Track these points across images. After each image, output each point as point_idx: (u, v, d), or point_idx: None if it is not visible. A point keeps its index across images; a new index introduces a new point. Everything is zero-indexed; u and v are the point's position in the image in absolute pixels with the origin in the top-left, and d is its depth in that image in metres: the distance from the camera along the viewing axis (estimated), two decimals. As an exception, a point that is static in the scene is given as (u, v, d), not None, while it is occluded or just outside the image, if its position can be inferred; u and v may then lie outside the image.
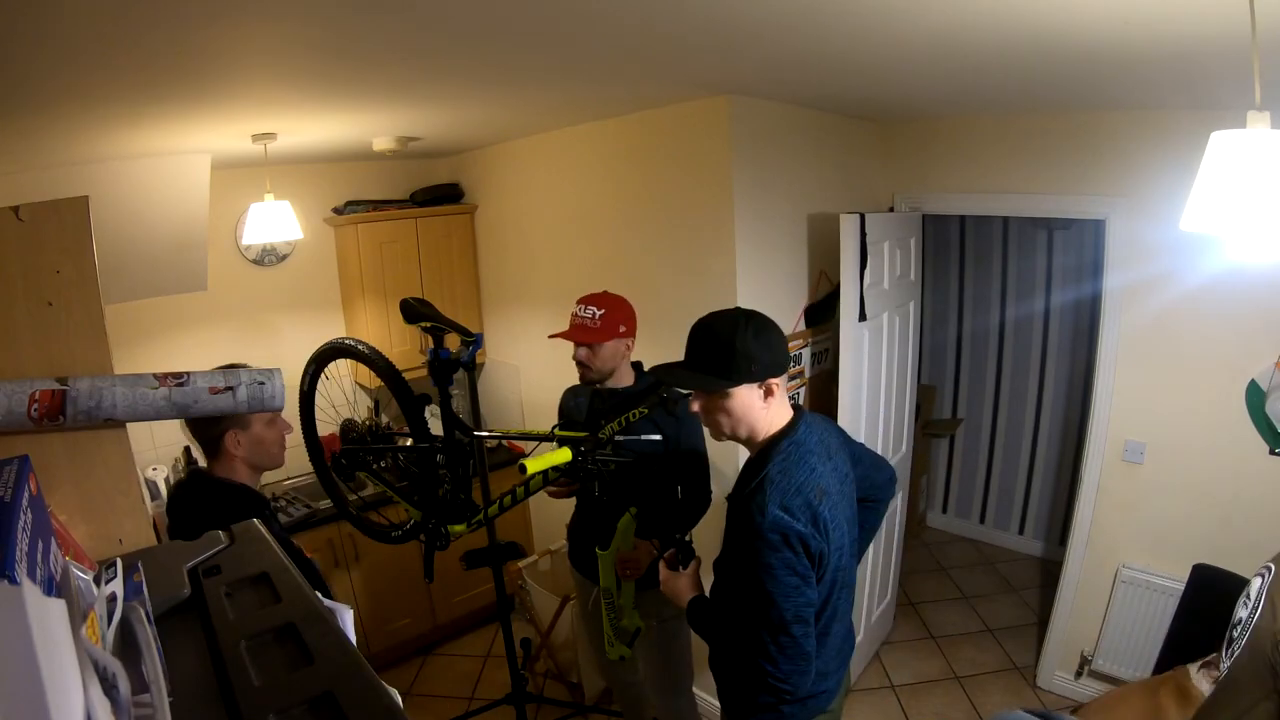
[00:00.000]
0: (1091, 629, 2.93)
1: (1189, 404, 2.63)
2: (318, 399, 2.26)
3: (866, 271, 2.78)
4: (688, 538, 1.72)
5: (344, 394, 3.01)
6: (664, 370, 1.54)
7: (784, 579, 1.35)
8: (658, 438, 2.05)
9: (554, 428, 2.17)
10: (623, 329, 2.15)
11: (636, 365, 2.27)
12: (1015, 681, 3.20)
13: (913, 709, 3.06)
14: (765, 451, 1.47)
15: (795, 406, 1.56)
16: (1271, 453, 2.48)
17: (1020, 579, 4.04)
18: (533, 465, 1.73)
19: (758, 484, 1.41)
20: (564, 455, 1.83)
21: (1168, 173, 2.45)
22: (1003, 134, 2.95)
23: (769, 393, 1.45)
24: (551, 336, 2.23)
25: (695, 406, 1.50)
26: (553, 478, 1.91)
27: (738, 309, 1.49)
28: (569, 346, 2.21)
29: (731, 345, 1.41)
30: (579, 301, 2.18)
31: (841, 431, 1.70)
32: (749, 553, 1.38)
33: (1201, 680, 1.89)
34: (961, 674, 3.27)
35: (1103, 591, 2.89)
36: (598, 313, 2.12)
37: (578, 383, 2.31)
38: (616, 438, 1.97)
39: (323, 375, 2.28)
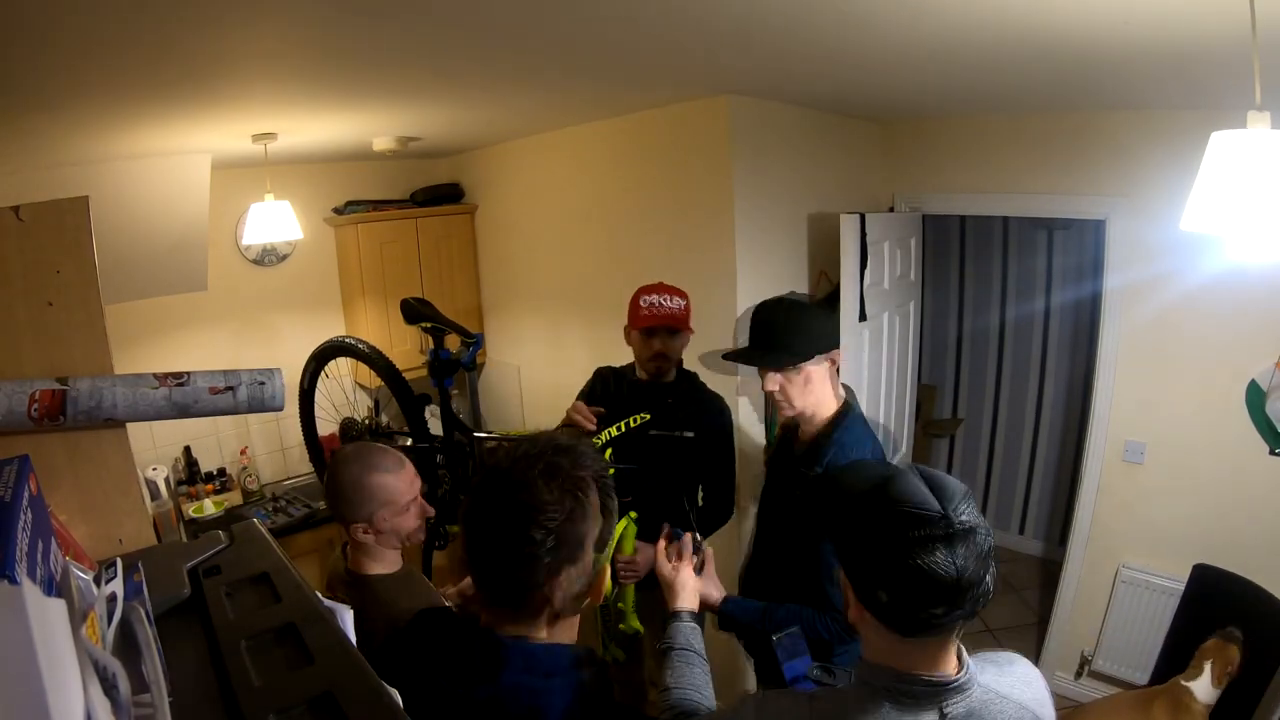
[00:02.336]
0: (1091, 629, 2.93)
1: (1189, 404, 2.63)
2: (319, 398, 2.26)
3: (866, 271, 2.78)
4: (697, 539, 1.70)
5: (344, 393, 3.02)
6: (740, 356, 1.68)
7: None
8: (691, 434, 2.04)
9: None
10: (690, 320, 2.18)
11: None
12: (1015, 681, 3.19)
13: (913, 709, 3.06)
14: (831, 423, 1.61)
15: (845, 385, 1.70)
16: (1271, 453, 2.47)
17: (1020, 579, 4.04)
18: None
19: (834, 452, 1.55)
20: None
21: (1168, 173, 2.45)
22: (1003, 134, 2.95)
23: (833, 363, 1.61)
24: (639, 326, 2.11)
25: (773, 385, 1.59)
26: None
27: (786, 297, 1.68)
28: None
29: (801, 324, 1.58)
30: (650, 292, 2.12)
31: None
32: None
33: (1203, 689, 1.88)
34: (961, 674, 3.27)
35: (1103, 591, 2.89)
36: (683, 302, 2.12)
37: (613, 366, 2.27)
38: (651, 431, 1.96)
39: (323, 373, 2.28)
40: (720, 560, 1.69)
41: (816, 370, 1.58)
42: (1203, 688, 1.95)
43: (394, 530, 1.49)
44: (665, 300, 2.10)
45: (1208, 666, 1.96)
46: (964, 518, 0.88)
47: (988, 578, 0.89)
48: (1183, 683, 1.99)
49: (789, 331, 1.58)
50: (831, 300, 2.96)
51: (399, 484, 1.48)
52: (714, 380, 2.38)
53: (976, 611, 0.90)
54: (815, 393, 1.60)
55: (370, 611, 1.35)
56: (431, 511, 1.58)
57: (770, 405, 2.82)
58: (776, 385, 1.59)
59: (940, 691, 0.91)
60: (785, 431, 1.82)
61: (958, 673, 0.93)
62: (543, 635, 0.94)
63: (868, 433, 1.62)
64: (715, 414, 2.17)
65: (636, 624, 2.07)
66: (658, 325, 2.08)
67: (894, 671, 0.93)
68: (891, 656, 0.93)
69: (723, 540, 2.31)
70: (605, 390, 2.23)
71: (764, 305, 1.68)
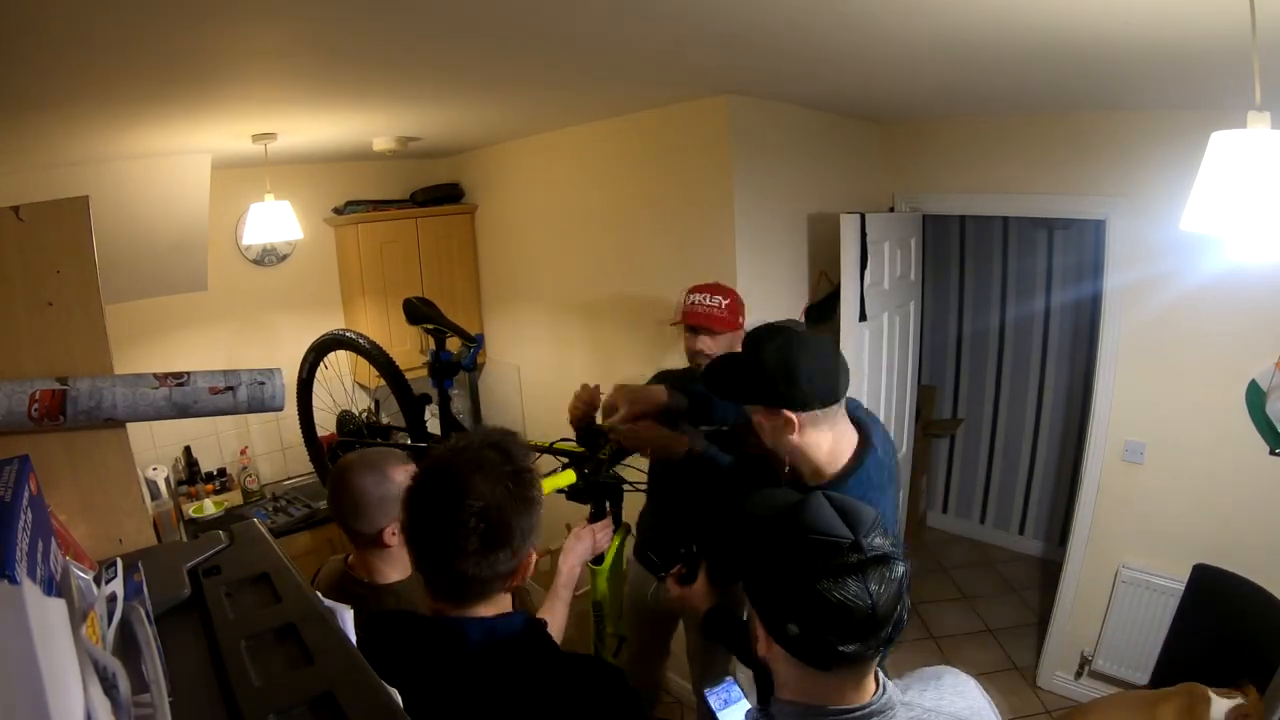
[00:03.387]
0: (1092, 629, 2.93)
1: (1189, 404, 2.63)
2: (318, 390, 2.26)
3: (866, 271, 2.78)
4: (692, 549, 1.70)
5: (343, 389, 3.02)
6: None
7: None
8: (728, 459, 2.02)
9: (554, 442, 2.14)
10: (742, 319, 2.12)
11: None
12: (1015, 681, 3.20)
13: (913, 709, 3.06)
14: (836, 481, 1.37)
15: (861, 427, 1.44)
16: (1271, 453, 2.47)
17: (1020, 579, 4.04)
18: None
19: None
20: (569, 478, 1.82)
21: (1168, 173, 2.45)
22: (1003, 134, 2.95)
23: (788, 425, 1.34)
24: (674, 324, 2.14)
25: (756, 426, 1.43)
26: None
27: (793, 334, 1.40)
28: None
29: (751, 370, 1.37)
30: (696, 290, 2.12)
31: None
32: None
33: (1219, 710, 1.80)
34: (961, 674, 3.26)
35: (1103, 591, 2.89)
36: (724, 301, 2.08)
37: (669, 369, 2.25)
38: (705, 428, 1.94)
39: (322, 365, 2.28)
40: None
41: (768, 421, 1.38)
42: (1222, 707, 1.86)
43: None
44: (706, 299, 2.10)
45: (1239, 700, 1.86)
46: (876, 543, 0.85)
47: (901, 609, 0.85)
48: (1210, 693, 1.84)
49: (742, 373, 1.40)
50: (831, 300, 2.96)
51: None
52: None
53: (893, 642, 0.87)
54: (784, 445, 1.39)
55: None
56: None
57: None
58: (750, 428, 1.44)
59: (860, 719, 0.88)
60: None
61: (873, 696, 0.89)
62: (482, 612, 1.04)
63: (874, 487, 1.37)
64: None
65: (623, 628, 2.08)
66: (693, 323, 2.09)
67: (809, 707, 0.89)
68: (807, 692, 0.90)
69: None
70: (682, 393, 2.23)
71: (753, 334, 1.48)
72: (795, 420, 1.34)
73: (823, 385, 1.35)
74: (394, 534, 1.45)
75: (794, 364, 1.32)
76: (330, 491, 1.50)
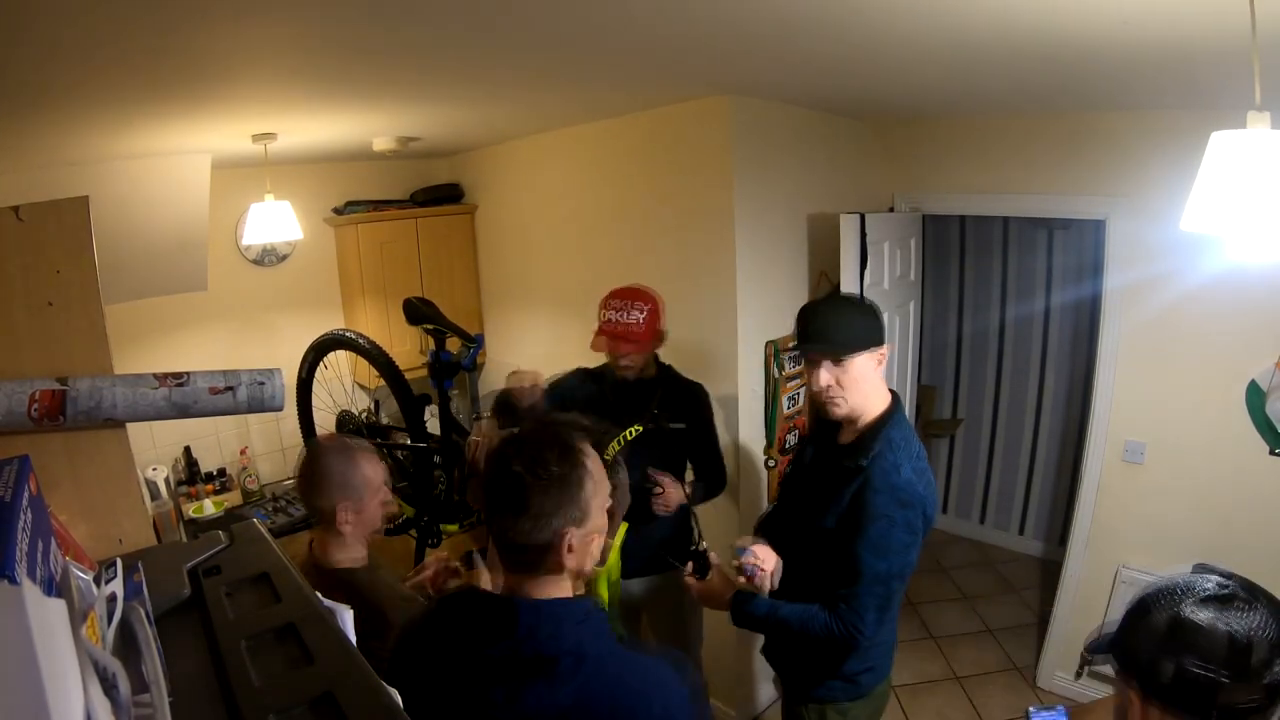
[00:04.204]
0: (1091, 629, 2.93)
1: (1189, 404, 2.63)
2: (318, 390, 2.26)
3: (866, 271, 2.78)
4: (703, 547, 1.73)
5: (343, 389, 3.02)
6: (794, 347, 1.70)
7: (903, 536, 1.47)
8: (682, 425, 2.05)
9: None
10: (661, 325, 2.12)
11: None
12: (1015, 681, 3.20)
13: (913, 709, 3.06)
14: (881, 419, 1.58)
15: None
16: (1271, 453, 2.47)
17: (1020, 579, 4.04)
18: None
19: (884, 446, 1.52)
20: None
21: (1168, 173, 2.45)
22: (1003, 134, 2.95)
23: (880, 360, 1.57)
24: (596, 349, 2.14)
25: (826, 380, 1.56)
26: None
27: (832, 293, 1.72)
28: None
29: (847, 318, 1.56)
30: (614, 297, 2.09)
31: None
32: (878, 507, 1.47)
33: None
34: (962, 674, 3.27)
35: (1103, 591, 2.89)
36: (641, 316, 2.05)
37: (589, 368, 2.27)
38: (646, 427, 1.96)
39: (322, 364, 2.28)
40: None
41: (865, 365, 1.55)
42: None
43: (372, 518, 1.56)
44: (620, 314, 2.07)
45: None
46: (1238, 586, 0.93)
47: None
48: None
49: (837, 326, 1.55)
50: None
51: (379, 473, 1.57)
52: (716, 382, 2.38)
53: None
54: (865, 389, 1.56)
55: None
56: (394, 504, 1.65)
57: (772, 406, 2.83)
58: (830, 381, 1.55)
59: None
60: (821, 423, 1.77)
61: None
62: (536, 593, 1.04)
63: (912, 432, 1.61)
64: (699, 401, 2.23)
65: (619, 627, 2.08)
66: (614, 348, 2.07)
67: None
68: None
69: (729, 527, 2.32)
70: (586, 391, 2.24)
71: (812, 302, 1.72)
72: (884, 355, 1.58)
73: (884, 326, 1.61)
74: (346, 520, 1.51)
75: (874, 307, 1.60)
76: (300, 466, 1.58)
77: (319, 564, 1.54)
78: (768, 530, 1.83)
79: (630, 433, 1.94)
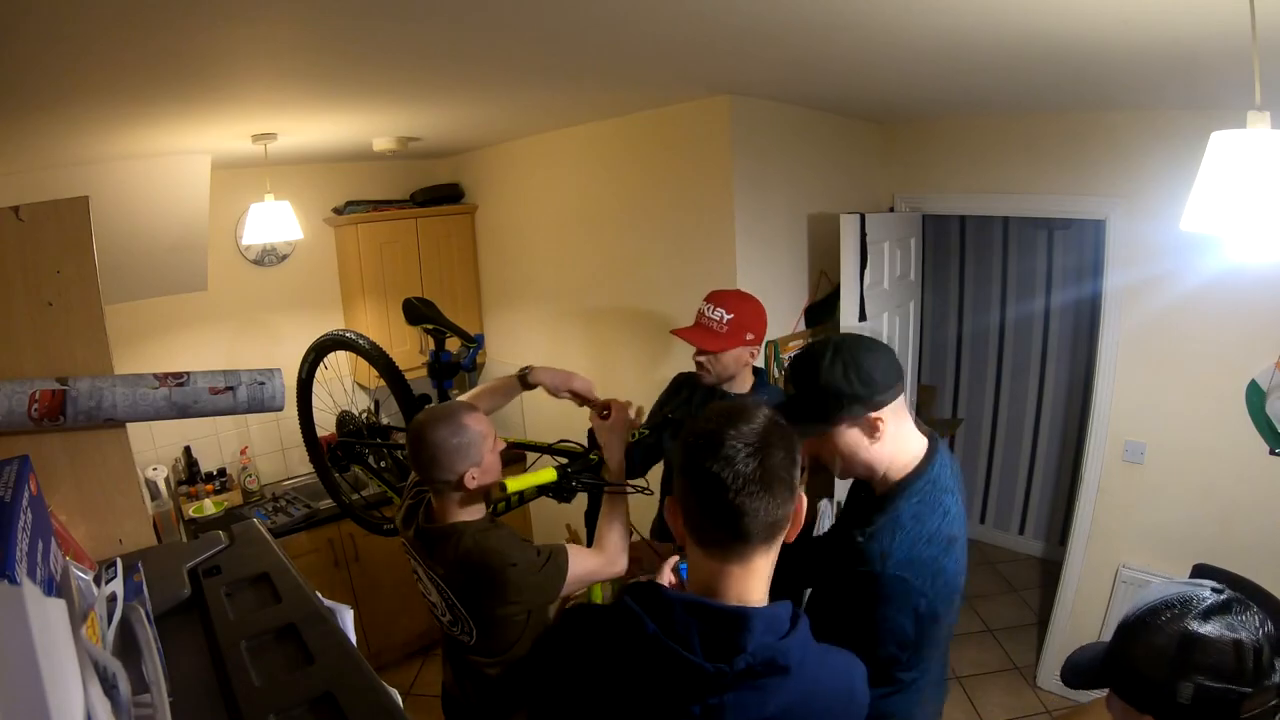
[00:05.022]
0: (1091, 629, 2.93)
1: (1189, 404, 2.63)
2: (318, 390, 2.26)
3: (866, 271, 2.78)
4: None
5: (343, 389, 3.02)
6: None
7: (878, 631, 1.24)
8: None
9: (554, 443, 2.13)
10: (749, 336, 2.00)
11: (757, 371, 2.13)
12: (1015, 681, 3.20)
13: (913, 709, 3.06)
14: (898, 488, 1.28)
15: (929, 433, 1.36)
16: (1271, 453, 2.47)
17: (1020, 579, 4.04)
18: (513, 484, 1.69)
19: (886, 524, 1.25)
20: (548, 475, 1.79)
21: (1168, 173, 2.45)
22: (1003, 134, 2.95)
23: (873, 429, 1.26)
24: (675, 333, 2.09)
25: (810, 450, 1.32)
26: (530, 496, 1.82)
27: (827, 337, 1.32)
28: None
29: (815, 382, 1.26)
30: (707, 299, 2.04)
31: None
32: (855, 593, 1.25)
33: None
34: (961, 674, 3.27)
35: (1103, 591, 2.89)
36: (726, 316, 1.97)
37: (686, 371, 2.21)
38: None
39: (322, 365, 2.28)
40: None
41: (848, 438, 1.27)
42: None
43: (494, 467, 1.58)
44: (709, 310, 2.01)
45: None
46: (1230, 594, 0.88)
47: None
48: None
49: (803, 392, 1.28)
50: (831, 300, 2.96)
51: (484, 424, 1.58)
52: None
53: None
54: (861, 458, 1.29)
55: (478, 553, 1.48)
56: (504, 444, 1.66)
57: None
58: (815, 452, 1.32)
59: None
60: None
61: None
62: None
63: (935, 499, 1.27)
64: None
65: None
66: (690, 339, 2.02)
67: None
68: None
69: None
70: (677, 397, 2.20)
71: (796, 357, 1.36)
72: (881, 420, 1.25)
73: (887, 366, 1.27)
74: (474, 479, 1.52)
75: (855, 361, 1.25)
76: (410, 449, 1.58)
77: (441, 524, 1.56)
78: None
79: (635, 435, 1.93)
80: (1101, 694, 1.07)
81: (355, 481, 3.29)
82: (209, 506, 3.24)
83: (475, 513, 1.59)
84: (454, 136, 3.30)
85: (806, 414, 1.25)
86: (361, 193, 3.69)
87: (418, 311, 2.22)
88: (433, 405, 1.74)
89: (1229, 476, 2.57)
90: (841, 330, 2.77)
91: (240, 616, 0.75)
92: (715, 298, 2.04)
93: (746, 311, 2.01)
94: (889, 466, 1.30)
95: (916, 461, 1.30)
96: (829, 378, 1.24)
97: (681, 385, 2.25)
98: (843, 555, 1.28)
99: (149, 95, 1.75)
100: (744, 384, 2.10)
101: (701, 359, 2.03)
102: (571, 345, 3.39)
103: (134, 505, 1.04)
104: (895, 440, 1.29)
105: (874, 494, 1.35)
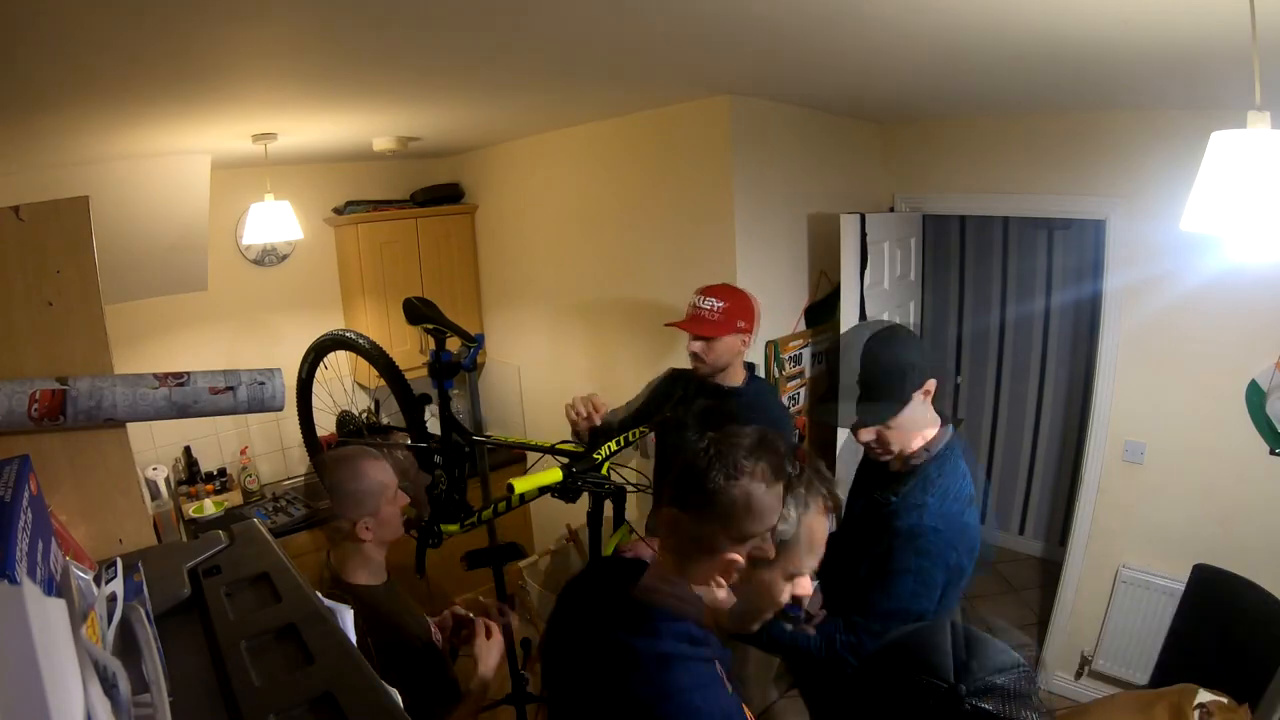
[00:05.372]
0: (1092, 629, 2.93)
1: (1189, 404, 2.63)
2: (318, 390, 2.25)
3: (866, 271, 2.78)
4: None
5: (343, 389, 3.02)
6: (828, 412, 1.59)
7: (913, 585, 1.35)
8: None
9: (555, 444, 2.14)
10: (741, 324, 2.08)
11: (749, 365, 2.20)
12: (1015, 681, 3.19)
13: (913, 709, 3.06)
14: (924, 455, 1.44)
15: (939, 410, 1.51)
16: (1272, 453, 2.47)
17: (1020, 579, 4.04)
18: (520, 485, 1.69)
19: (917, 484, 1.39)
20: (554, 475, 1.79)
21: (1168, 173, 2.45)
22: (1003, 134, 2.95)
23: (928, 393, 1.44)
24: (668, 325, 2.17)
25: (868, 437, 1.45)
26: (530, 496, 1.85)
27: (881, 325, 1.49)
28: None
29: (898, 361, 1.41)
30: (698, 292, 2.12)
31: None
32: (894, 553, 1.36)
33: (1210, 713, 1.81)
34: (961, 674, 3.26)
35: (1103, 592, 2.89)
36: (718, 305, 2.06)
37: (678, 367, 2.25)
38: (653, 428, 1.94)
39: (322, 365, 2.28)
40: None
41: (913, 409, 1.42)
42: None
43: (391, 522, 1.52)
44: (700, 300, 2.09)
45: (1224, 700, 1.86)
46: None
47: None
48: (1203, 694, 1.87)
49: (881, 376, 1.42)
50: (831, 300, 2.97)
51: (388, 475, 1.53)
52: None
53: None
54: (911, 429, 1.44)
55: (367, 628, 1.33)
56: (406, 499, 1.60)
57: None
58: (872, 436, 1.44)
59: None
60: (867, 463, 1.67)
61: None
62: None
63: (959, 466, 1.45)
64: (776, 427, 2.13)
65: None
66: (685, 326, 2.08)
67: None
68: None
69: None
70: (669, 391, 2.23)
71: (865, 348, 1.50)
72: (931, 383, 1.43)
73: (928, 353, 1.47)
74: (367, 530, 1.46)
75: (911, 337, 1.45)
76: (309, 489, 1.54)
77: (339, 579, 1.50)
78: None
79: (634, 434, 1.93)
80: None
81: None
82: (209, 506, 3.24)
83: (374, 575, 1.52)
84: (454, 136, 3.30)
85: (890, 393, 1.39)
86: (361, 193, 3.69)
87: (418, 311, 2.22)
88: (341, 447, 1.71)
89: (1229, 476, 2.57)
90: (841, 329, 2.77)
91: (240, 616, 0.75)
92: (706, 290, 2.11)
93: (737, 302, 2.09)
94: (922, 434, 1.45)
95: (937, 429, 1.46)
96: (907, 355, 1.41)
97: (675, 382, 2.27)
98: (872, 522, 1.41)
99: (149, 95, 1.75)
100: (736, 375, 2.14)
101: (696, 347, 2.08)
102: (571, 345, 3.39)
103: (134, 505, 1.03)
104: (927, 409, 1.45)
105: (889, 470, 1.50)
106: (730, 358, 2.10)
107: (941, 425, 1.48)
